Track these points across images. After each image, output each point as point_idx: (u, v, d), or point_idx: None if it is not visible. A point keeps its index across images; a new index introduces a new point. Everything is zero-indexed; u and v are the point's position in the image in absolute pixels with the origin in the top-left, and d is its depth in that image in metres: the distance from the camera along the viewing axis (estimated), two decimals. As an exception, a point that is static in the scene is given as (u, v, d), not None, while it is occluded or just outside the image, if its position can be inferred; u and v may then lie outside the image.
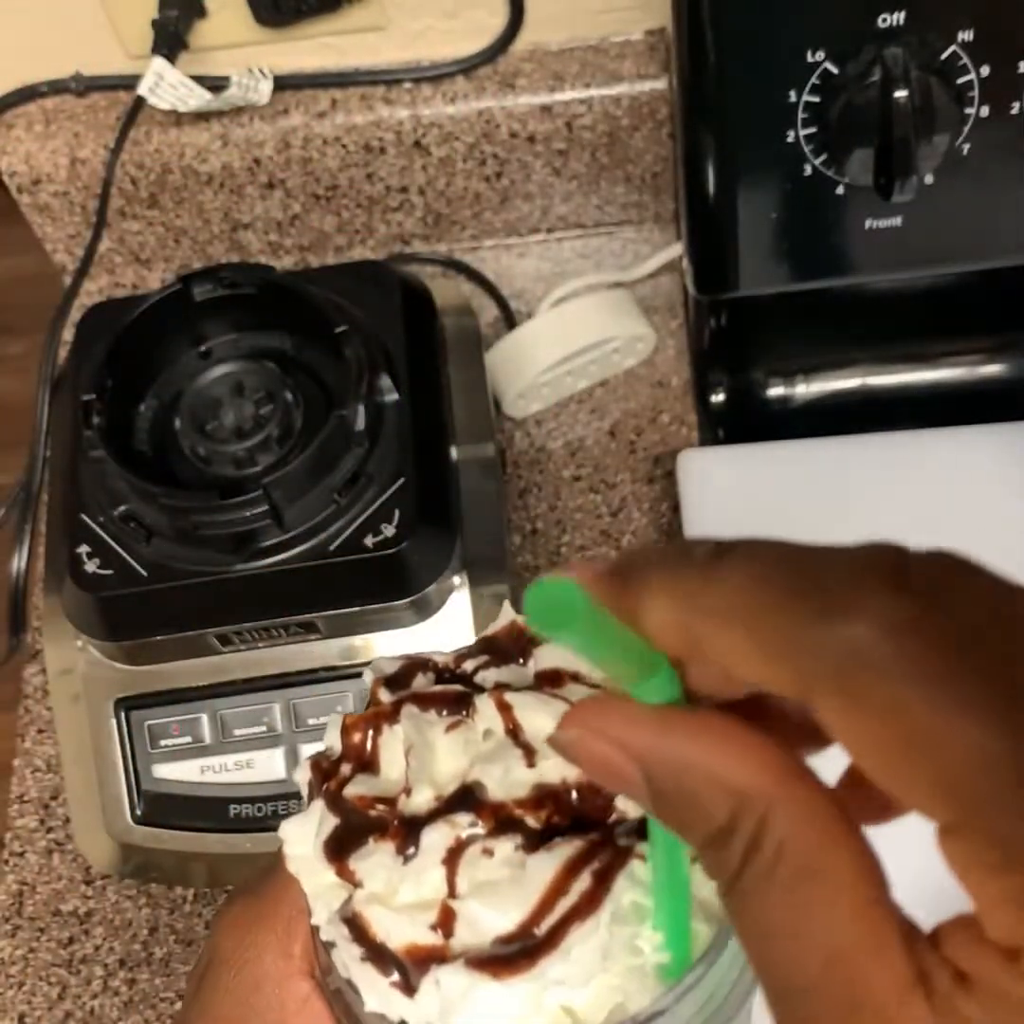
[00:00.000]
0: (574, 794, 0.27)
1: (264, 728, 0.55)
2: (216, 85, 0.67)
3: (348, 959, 0.27)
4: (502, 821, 0.27)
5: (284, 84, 0.69)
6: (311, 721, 0.55)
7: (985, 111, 0.51)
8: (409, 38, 0.68)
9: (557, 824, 0.27)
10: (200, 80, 0.66)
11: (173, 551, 0.52)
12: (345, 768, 0.29)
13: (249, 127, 0.69)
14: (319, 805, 0.29)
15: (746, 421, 0.67)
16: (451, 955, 0.26)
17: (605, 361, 0.69)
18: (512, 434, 0.70)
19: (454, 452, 0.57)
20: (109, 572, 0.52)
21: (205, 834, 0.55)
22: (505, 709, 0.29)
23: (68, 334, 0.64)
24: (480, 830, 0.27)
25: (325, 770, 0.29)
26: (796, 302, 0.60)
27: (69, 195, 0.71)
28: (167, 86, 0.65)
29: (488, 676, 0.30)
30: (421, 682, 0.31)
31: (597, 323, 0.68)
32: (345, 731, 0.30)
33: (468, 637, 0.54)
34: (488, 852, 0.27)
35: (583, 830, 0.27)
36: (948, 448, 0.62)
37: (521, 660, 0.31)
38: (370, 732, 0.29)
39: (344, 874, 0.27)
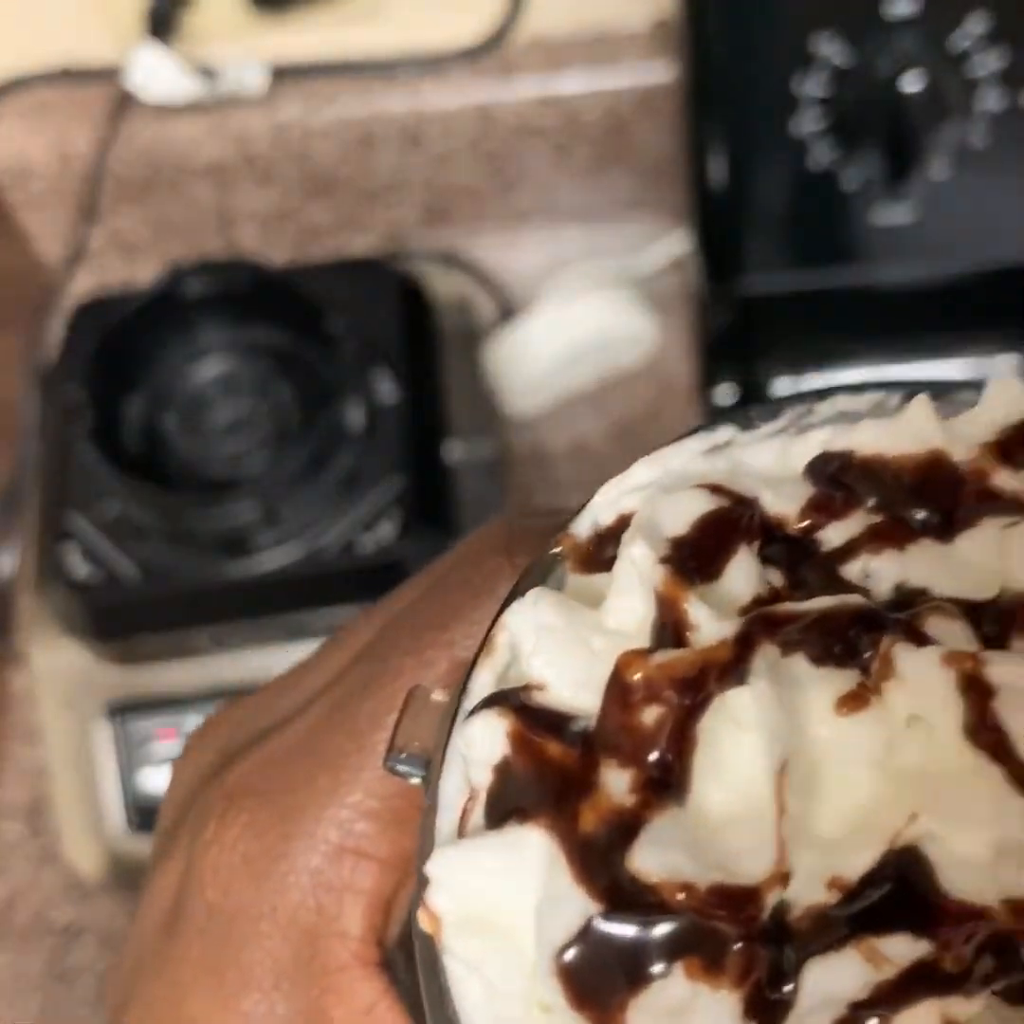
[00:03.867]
0: None
1: (258, 733, 0.54)
2: (209, 76, 0.66)
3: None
4: (978, 952, 0.13)
5: (279, 75, 0.68)
6: (306, 726, 0.54)
7: (998, 103, 0.50)
8: (407, 27, 0.67)
9: None
10: (192, 71, 0.66)
11: (164, 551, 0.52)
12: (614, 778, 0.14)
13: (242, 119, 0.68)
14: (543, 848, 0.14)
15: (751, 419, 0.66)
16: None
17: (607, 357, 0.68)
18: (512, 432, 0.69)
19: (452, 450, 0.57)
20: (99, 573, 0.52)
21: (197, 842, 0.54)
22: (978, 693, 0.13)
23: (57, 330, 0.63)
24: (935, 971, 0.13)
25: (554, 761, 0.15)
26: (802, 298, 0.59)
27: (58, 188, 0.70)
28: (158, 77, 0.65)
29: (878, 568, 0.15)
30: (745, 568, 0.15)
31: (599, 319, 0.67)
32: (624, 694, 0.14)
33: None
34: None
35: None
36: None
37: (954, 527, 0.15)
38: (685, 708, 0.14)
39: None
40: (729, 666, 0.14)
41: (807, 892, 0.14)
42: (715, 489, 0.16)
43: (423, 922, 0.15)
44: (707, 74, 0.52)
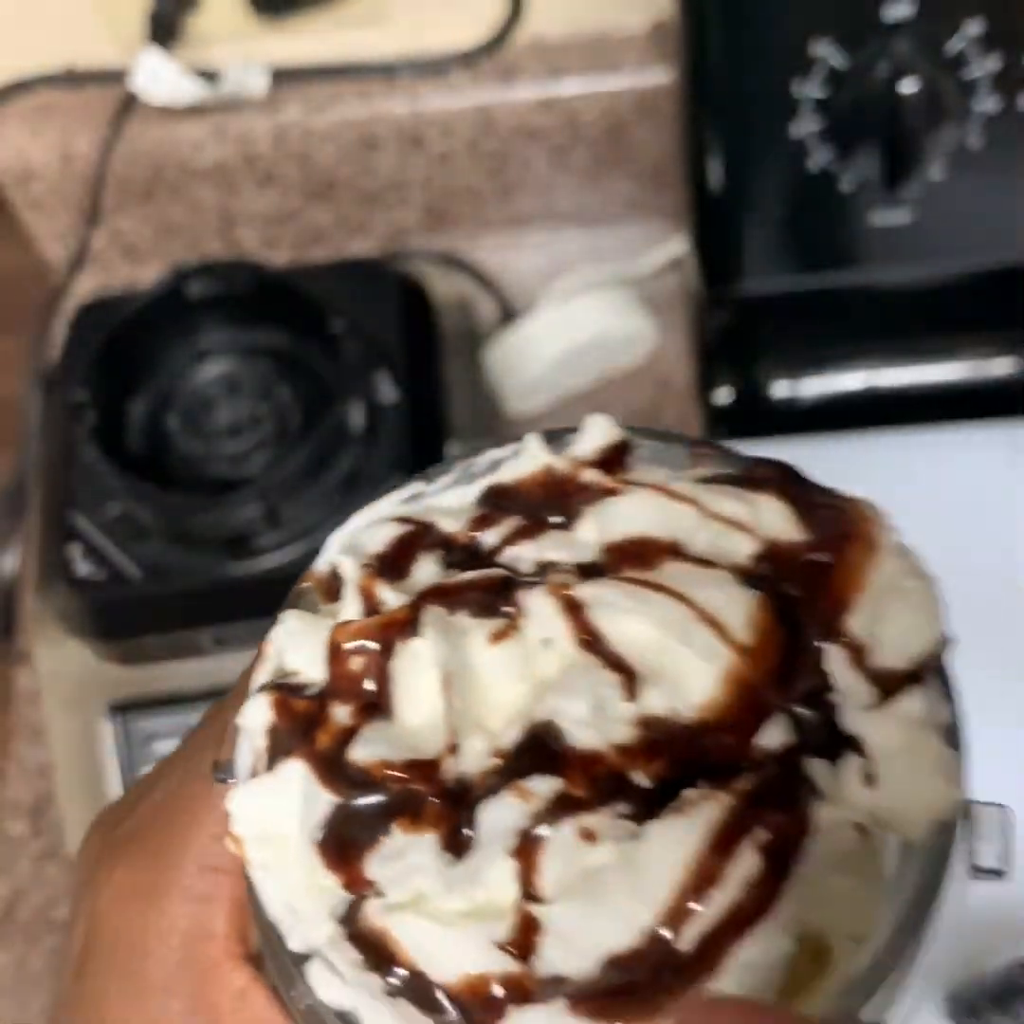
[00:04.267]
0: (697, 731, 0.19)
1: (260, 732, 0.54)
2: (211, 78, 0.67)
3: (352, 986, 0.19)
4: (599, 782, 0.19)
5: (280, 77, 0.68)
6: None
7: (994, 105, 0.51)
8: (408, 30, 0.67)
9: (673, 778, 0.19)
10: (195, 74, 0.66)
11: (167, 551, 0.52)
12: (339, 711, 0.20)
13: (245, 121, 0.68)
14: (299, 772, 0.20)
15: (750, 420, 0.66)
16: (538, 988, 0.18)
17: (606, 359, 0.69)
18: (512, 432, 0.69)
19: (453, 451, 0.57)
20: (102, 573, 0.52)
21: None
22: (574, 611, 0.20)
23: (60, 331, 0.63)
24: (569, 798, 0.18)
25: (301, 712, 0.20)
26: (800, 300, 0.59)
27: (61, 190, 0.71)
28: (161, 80, 0.65)
29: (522, 553, 0.21)
30: (428, 568, 0.22)
31: (598, 320, 0.67)
32: (336, 653, 0.20)
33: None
34: (587, 834, 0.18)
35: (714, 779, 0.19)
36: (953, 447, 0.61)
37: (567, 521, 0.22)
38: (378, 653, 0.20)
39: (356, 884, 0.19)
40: (407, 623, 0.20)
41: (478, 763, 0.19)
42: (403, 520, 0.22)
43: (230, 845, 0.20)
44: (705, 76, 0.52)
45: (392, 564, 0.22)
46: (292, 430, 0.53)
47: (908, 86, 0.49)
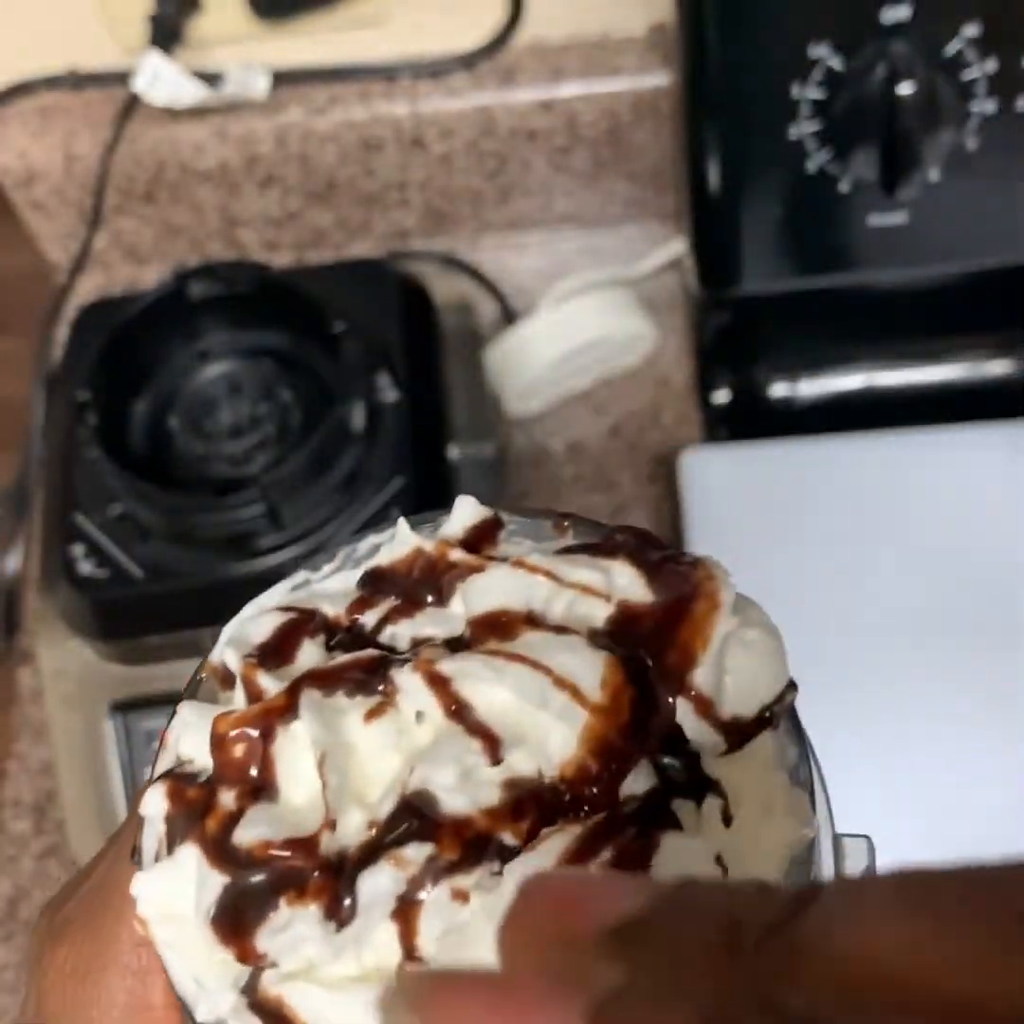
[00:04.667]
0: (562, 787, 0.21)
1: (261, 731, 0.55)
2: (212, 80, 0.67)
3: None
4: (470, 844, 0.20)
5: (281, 80, 0.68)
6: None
7: (991, 107, 0.51)
8: (408, 32, 0.68)
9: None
10: (196, 76, 0.66)
11: (169, 551, 0.52)
12: (225, 796, 0.21)
13: (246, 123, 0.68)
14: (193, 855, 0.21)
15: (749, 420, 0.66)
16: None
17: (606, 359, 0.69)
18: (512, 433, 0.69)
19: (453, 451, 0.57)
20: (104, 573, 0.52)
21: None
22: (440, 685, 0.21)
23: (62, 332, 0.63)
24: (441, 862, 0.20)
25: (192, 800, 0.22)
26: (799, 300, 0.59)
27: (64, 192, 0.71)
28: (163, 82, 0.65)
29: (399, 631, 0.23)
30: (311, 652, 0.23)
31: (598, 321, 0.67)
32: (220, 742, 0.22)
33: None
34: (459, 894, 0.20)
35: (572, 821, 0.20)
36: (952, 447, 0.61)
37: (439, 599, 0.23)
38: (258, 739, 0.21)
39: (248, 957, 0.20)
40: (286, 708, 0.21)
41: (357, 835, 0.21)
42: (286, 609, 0.24)
43: (137, 926, 0.22)
44: (703, 79, 0.52)
45: (274, 652, 0.23)
46: (293, 430, 0.53)
47: (906, 88, 0.49)
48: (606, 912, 0.15)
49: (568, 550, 0.24)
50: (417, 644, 0.23)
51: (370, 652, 0.22)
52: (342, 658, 0.22)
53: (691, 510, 0.61)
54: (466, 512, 0.24)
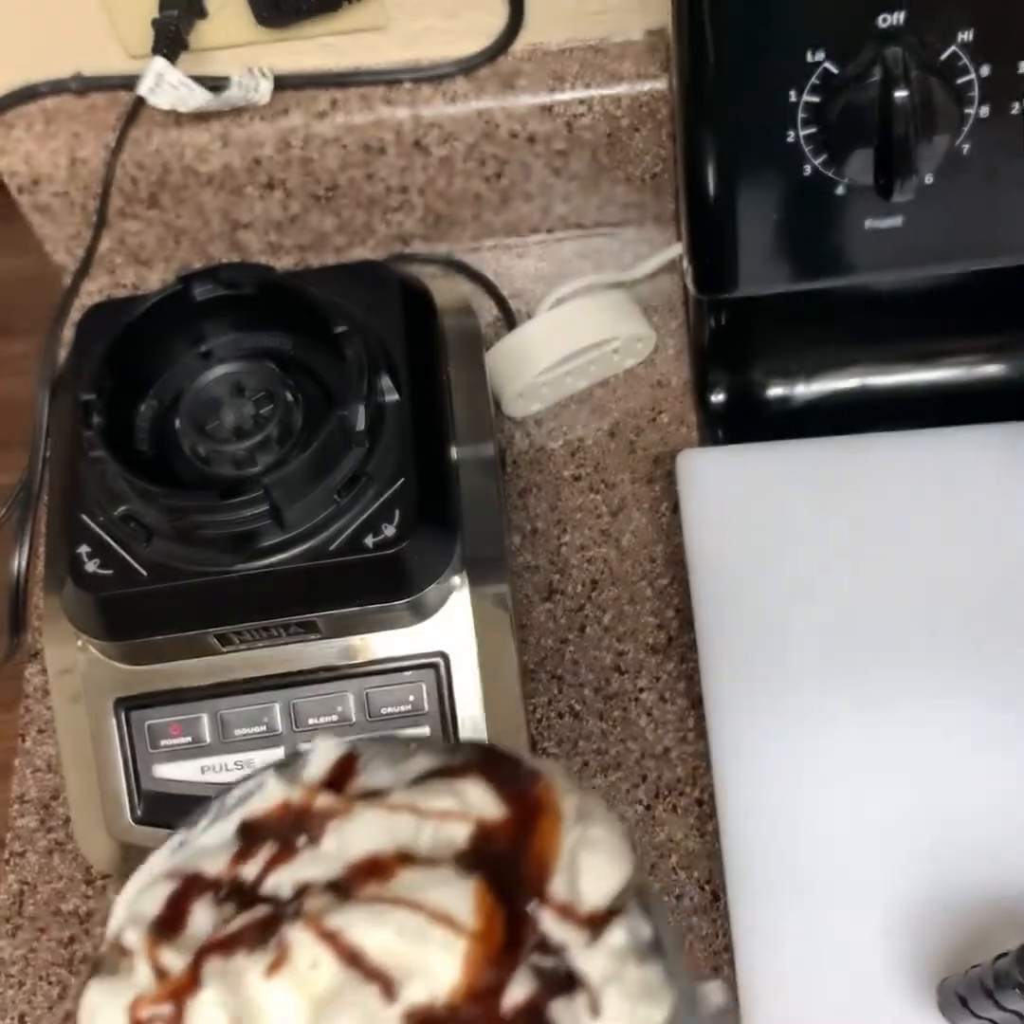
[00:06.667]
0: (455, 1007, 0.22)
1: (264, 728, 0.55)
2: (216, 85, 0.67)
3: None
4: None
5: (284, 84, 0.69)
6: (311, 721, 0.55)
7: (985, 111, 0.51)
8: (409, 38, 0.68)
9: None
10: (200, 80, 0.66)
11: (173, 551, 0.52)
12: None
13: (249, 127, 0.69)
14: None
15: (746, 421, 0.67)
16: None
17: (605, 361, 0.69)
18: (512, 434, 0.69)
19: (454, 452, 0.57)
20: (109, 572, 0.52)
21: (205, 834, 0.55)
22: (330, 938, 0.23)
23: (68, 334, 0.64)
24: None
25: None
26: (796, 302, 0.59)
27: (69, 195, 0.71)
28: (167, 86, 0.65)
29: (281, 880, 0.24)
30: (203, 915, 0.24)
31: (597, 323, 0.68)
32: None
33: (468, 638, 0.54)
34: None
35: None
36: (951, 447, 0.61)
37: (312, 839, 0.25)
38: (173, 1014, 0.23)
39: None
40: (191, 982, 0.23)
41: None
42: (172, 875, 0.25)
43: None
44: (700, 84, 0.52)
45: (169, 924, 0.25)
46: (296, 431, 0.53)
47: (901, 93, 0.49)
48: None
49: (426, 776, 0.26)
50: (300, 891, 0.24)
51: (261, 910, 0.24)
52: (235, 924, 0.24)
53: (689, 510, 0.61)
54: (325, 754, 0.27)
